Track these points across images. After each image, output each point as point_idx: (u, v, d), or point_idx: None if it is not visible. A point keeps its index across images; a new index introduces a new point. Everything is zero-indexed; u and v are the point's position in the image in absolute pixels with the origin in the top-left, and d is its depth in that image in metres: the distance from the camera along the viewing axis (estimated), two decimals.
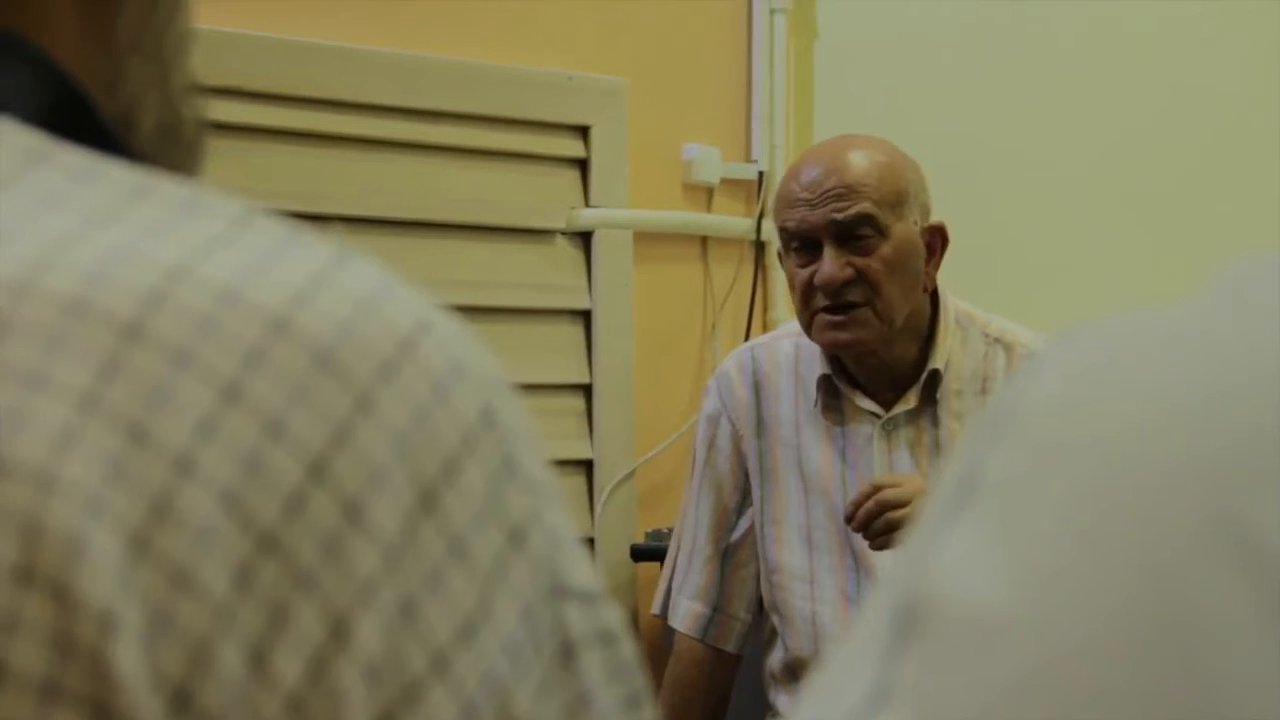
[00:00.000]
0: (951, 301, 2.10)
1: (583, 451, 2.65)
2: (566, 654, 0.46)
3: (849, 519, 1.92)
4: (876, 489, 1.90)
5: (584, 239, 2.67)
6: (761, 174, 2.86)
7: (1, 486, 0.40)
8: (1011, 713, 0.35)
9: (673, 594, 2.24)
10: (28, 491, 0.40)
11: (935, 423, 2.06)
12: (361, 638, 0.42)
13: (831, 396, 2.10)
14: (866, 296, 1.98)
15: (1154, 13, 2.68)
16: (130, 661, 0.40)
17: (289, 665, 0.41)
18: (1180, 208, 2.66)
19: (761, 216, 2.84)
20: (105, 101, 0.52)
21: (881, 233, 1.99)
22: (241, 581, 0.41)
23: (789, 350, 2.15)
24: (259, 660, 0.41)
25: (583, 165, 2.66)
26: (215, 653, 0.41)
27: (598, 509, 2.64)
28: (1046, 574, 0.36)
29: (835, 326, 1.99)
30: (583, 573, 0.47)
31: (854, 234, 1.98)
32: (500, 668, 0.44)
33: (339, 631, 0.42)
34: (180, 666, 0.41)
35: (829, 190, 1.99)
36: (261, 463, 0.42)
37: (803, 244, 2.01)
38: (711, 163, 2.81)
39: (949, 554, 0.38)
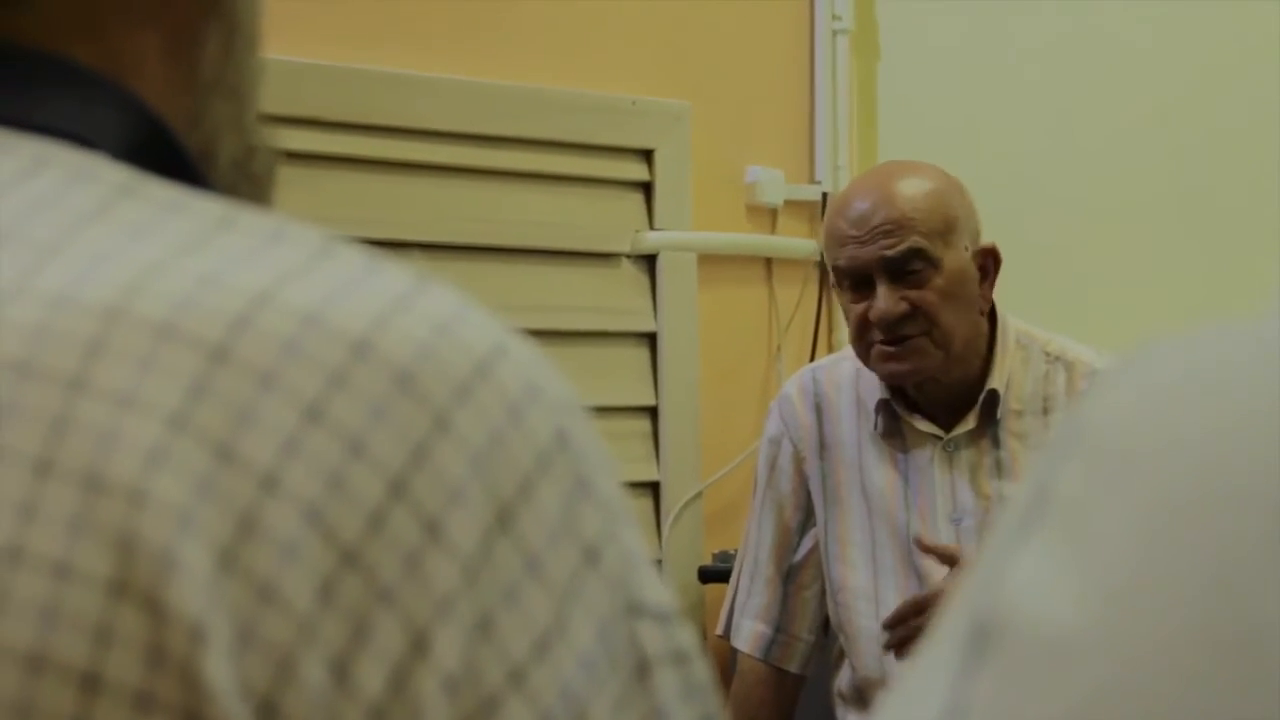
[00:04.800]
0: (1011, 322, 2.09)
1: (649, 474, 2.65)
2: (641, 671, 0.46)
3: (887, 628, 1.95)
4: (919, 608, 1.92)
5: (648, 262, 2.68)
6: (825, 195, 2.86)
7: (96, 502, 0.42)
8: None
9: (735, 614, 2.25)
10: (121, 507, 0.42)
11: (996, 443, 2.05)
12: (441, 650, 0.43)
13: (891, 420, 2.10)
14: (923, 328, 1.98)
15: (1222, 28, 2.66)
16: (219, 672, 0.41)
17: (370, 676, 0.42)
18: (1242, 232, 2.64)
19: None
20: (187, 137, 0.54)
21: (933, 264, 1.98)
22: (325, 595, 0.42)
23: (849, 372, 2.15)
24: (341, 671, 0.42)
25: (647, 188, 2.67)
26: (299, 664, 0.42)
27: (665, 531, 2.65)
28: (1118, 590, 0.36)
29: (892, 358, 1.99)
30: (656, 592, 0.48)
31: (905, 268, 1.98)
32: (577, 682, 0.44)
33: (419, 644, 0.43)
34: (266, 677, 0.42)
35: (876, 227, 1.98)
36: (344, 480, 0.43)
37: (855, 281, 2.01)
38: (775, 184, 2.81)
39: (1020, 573, 0.38)
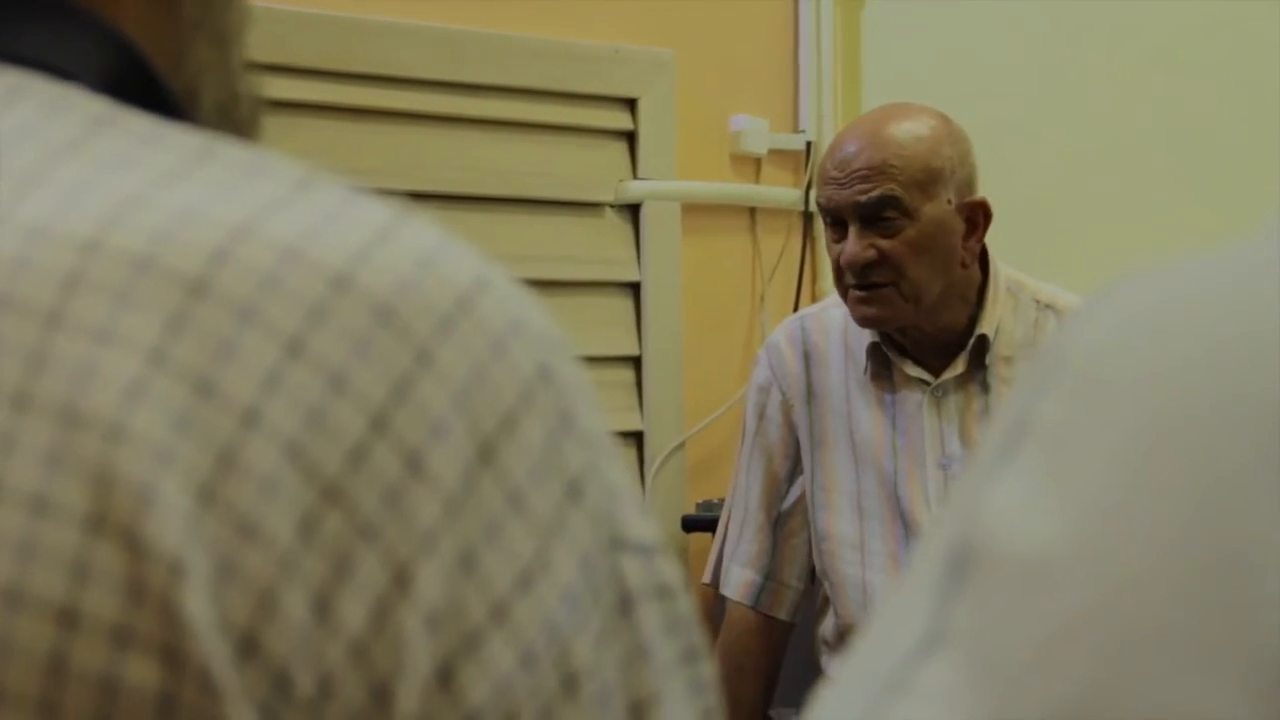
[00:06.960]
0: (1002, 269, 2.09)
1: (633, 423, 2.65)
2: (624, 605, 0.46)
3: None
4: None
5: (632, 211, 2.67)
6: (809, 144, 2.85)
7: (73, 437, 0.42)
8: (1065, 650, 0.35)
9: (724, 562, 2.25)
10: (98, 442, 0.41)
11: (985, 389, 2.06)
12: (422, 586, 0.43)
13: (881, 364, 2.11)
14: (890, 278, 1.99)
15: None
16: (199, 607, 0.41)
17: (352, 612, 0.42)
18: (1238, 178, 2.64)
19: (809, 187, 2.83)
20: (170, 78, 0.54)
21: (908, 214, 1.99)
22: (305, 530, 0.42)
23: (838, 319, 2.15)
24: (323, 607, 0.42)
25: (630, 137, 2.66)
26: (280, 599, 0.42)
27: (648, 480, 2.65)
28: (1100, 512, 0.36)
29: (862, 302, 2.02)
30: (640, 526, 0.48)
31: (878, 215, 1.99)
32: (559, 617, 0.44)
33: (401, 579, 0.43)
34: (247, 613, 0.42)
35: (855, 171, 2.00)
36: (325, 415, 0.43)
37: (833, 221, 2.04)
38: (759, 133, 2.80)
39: (1001, 498, 0.38)
